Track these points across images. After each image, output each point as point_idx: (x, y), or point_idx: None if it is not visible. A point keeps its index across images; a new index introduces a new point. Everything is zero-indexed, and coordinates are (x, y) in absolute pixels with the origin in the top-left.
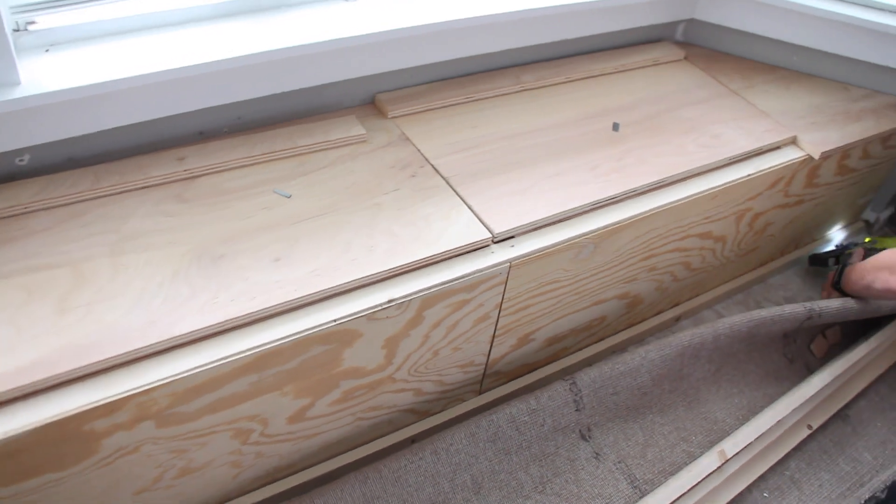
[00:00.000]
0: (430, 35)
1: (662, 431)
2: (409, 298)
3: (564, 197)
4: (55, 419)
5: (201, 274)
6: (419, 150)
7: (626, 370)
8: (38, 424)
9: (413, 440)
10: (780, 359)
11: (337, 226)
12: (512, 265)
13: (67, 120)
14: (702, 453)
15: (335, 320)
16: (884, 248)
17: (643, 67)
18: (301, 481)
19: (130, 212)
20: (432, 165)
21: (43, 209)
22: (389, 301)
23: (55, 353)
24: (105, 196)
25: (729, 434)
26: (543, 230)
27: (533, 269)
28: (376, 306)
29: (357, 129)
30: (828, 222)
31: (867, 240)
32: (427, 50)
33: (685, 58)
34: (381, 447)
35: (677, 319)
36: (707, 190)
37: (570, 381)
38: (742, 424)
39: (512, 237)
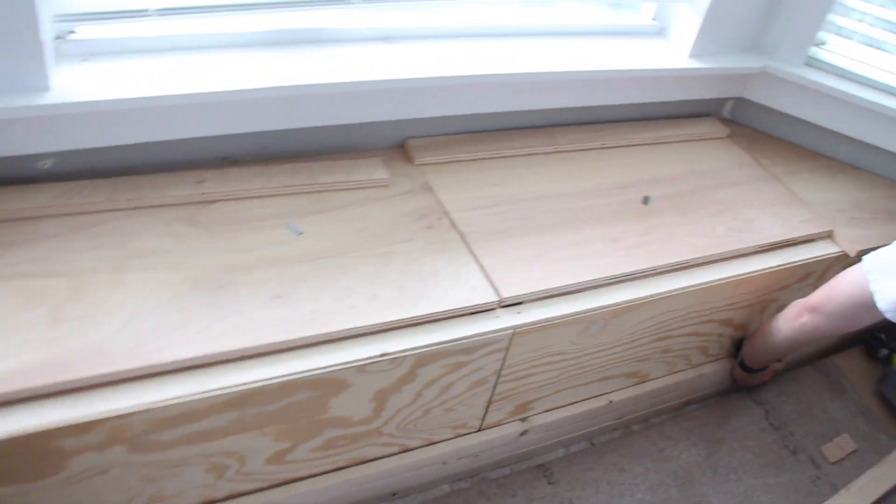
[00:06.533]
0: (467, 86)
1: None
2: (403, 354)
3: (581, 267)
4: (22, 433)
5: (198, 302)
6: (440, 202)
7: None
8: (4, 436)
9: (394, 494)
10: (781, 449)
11: (343, 270)
12: (515, 332)
13: (94, 130)
14: None
15: (324, 367)
16: None
17: (685, 141)
18: None
19: (141, 229)
20: (450, 219)
21: (56, 215)
22: (382, 355)
23: (35, 365)
24: (119, 210)
25: None
26: (554, 300)
27: (537, 338)
28: (368, 359)
29: (380, 173)
30: None
31: None
32: (462, 101)
33: (729, 136)
34: (361, 498)
35: (687, 403)
36: (732, 276)
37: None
38: None
39: (520, 303)
